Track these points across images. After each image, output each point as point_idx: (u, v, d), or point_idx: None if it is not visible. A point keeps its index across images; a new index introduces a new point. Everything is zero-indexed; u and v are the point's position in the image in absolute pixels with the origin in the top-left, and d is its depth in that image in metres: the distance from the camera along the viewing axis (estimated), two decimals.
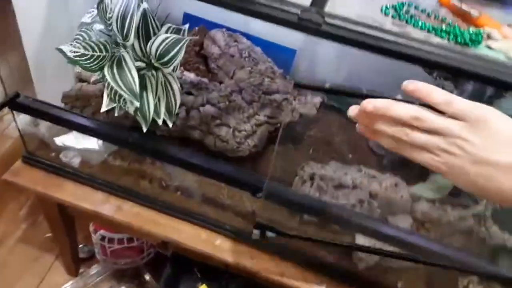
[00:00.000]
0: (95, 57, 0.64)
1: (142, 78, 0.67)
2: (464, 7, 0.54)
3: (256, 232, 0.68)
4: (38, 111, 0.71)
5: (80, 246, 1.30)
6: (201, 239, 0.79)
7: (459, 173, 0.38)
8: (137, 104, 0.65)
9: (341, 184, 0.78)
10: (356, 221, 0.67)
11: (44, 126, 0.87)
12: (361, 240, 0.73)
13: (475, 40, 0.49)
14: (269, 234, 0.68)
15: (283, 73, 0.93)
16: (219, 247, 0.78)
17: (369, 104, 0.41)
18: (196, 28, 1.04)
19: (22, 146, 0.82)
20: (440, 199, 0.79)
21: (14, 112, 0.75)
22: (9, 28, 0.89)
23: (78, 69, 0.83)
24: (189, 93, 0.85)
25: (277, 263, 0.77)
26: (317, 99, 0.87)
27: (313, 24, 0.44)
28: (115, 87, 0.65)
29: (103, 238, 1.16)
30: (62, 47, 0.62)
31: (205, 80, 0.89)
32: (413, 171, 0.90)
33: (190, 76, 0.89)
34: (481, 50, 0.49)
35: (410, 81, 0.40)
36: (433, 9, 0.56)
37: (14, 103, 0.70)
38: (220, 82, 0.94)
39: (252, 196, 0.68)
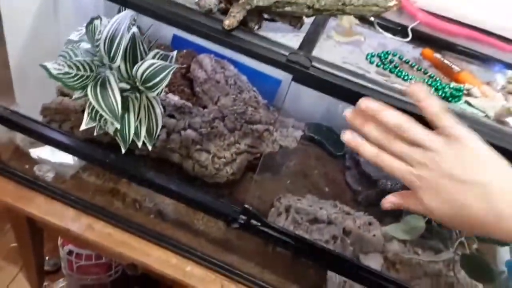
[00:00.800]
0: (79, 76, 0.64)
1: (125, 100, 0.67)
2: (446, 61, 0.56)
3: (242, 217, 0.65)
4: (16, 123, 0.69)
5: (46, 258, 1.26)
6: (171, 264, 0.77)
7: (429, 188, 0.38)
8: (118, 125, 0.65)
9: (316, 218, 0.78)
10: (328, 258, 0.67)
11: (20, 137, 0.85)
12: (333, 277, 0.73)
13: (456, 96, 0.51)
14: (254, 222, 0.65)
15: (267, 102, 0.94)
16: (189, 273, 0.77)
17: (363, 102, 0.41)
18: (184, 51, 1.05)
19: None
20: (411, 241, 0.80)
21: None
22: None
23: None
24: (172, 116, 0.85)
25: None
26: (298, 133, 0.88)
27: (300, 67, 0.45)
28: (97, 107, 0.64)
29: (70, 252, 1.13)
30: (46, 64, 0.61)
31: (189, 104, 0.89)
32: (387, 210, 0.91)
33: (174, 99, 0.89)
34: (461, 105, 0.51)
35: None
36: (416, 61, 0.58)
37: None
38: (204, 107, 0.94)
39: (227, 227, 0.67)
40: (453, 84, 0.53)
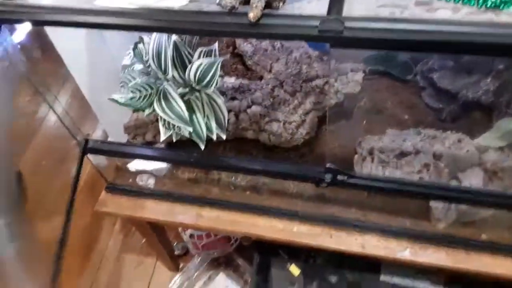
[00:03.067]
0: (143, 96, 0.70)
1: (188, 103, 0.72)
2: None
3: (327, 176, 0.68)
4: (108, 151, 0.79)
5: (174, 244, 1.44)
6: (279, 229, 0.84)
7: None
8: (190, 128, 0.70)
9: (402, 152, 0.78)
10: (424, 190, 0.68)
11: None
12: (436, 204, 0.74)
13: (506, 1, 0.46)
14: (340, 177, 0.68)
15: (319, 54, 0.92)
16: (298, 233, 0.83)
17: None
18: None
19: (103, 179, 0.92)
20: (508, 146, 0.76)
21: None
22: (58, 70, 0.96)
23: None
24: (234, 98, 0.88)
25: (356, 238, 0.80)
26: (359, 75, 0.86)
27: (334, 34, 0.45)
28: (167, 118, 0.70)
29: (191, 236, 1.28)
30: (113, 96, 0.68)
31: (246, 81, 0.92)
32: (474, 122, 0.87)
33: (231, 81, 0.92)
34: None
35: None
36: None
37: (86, 149, 0.79)
38: (261, 77, 0.96)
39: (316, 187, 0.71)
40: None
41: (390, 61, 1.00)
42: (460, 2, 0.48)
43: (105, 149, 0.79)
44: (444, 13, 0.48)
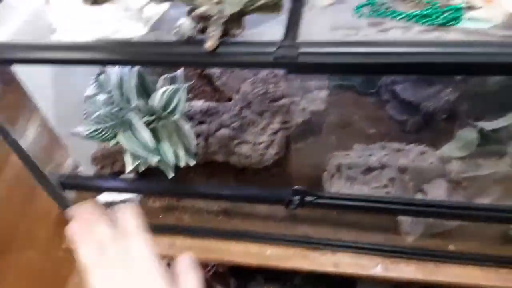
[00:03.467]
0: (107, 128, 0.69)
1: (154, 131, 0.71)
2: None
3: (296, 198, 0.68)
4: (75, 185, 0.77)
5: None
6: (253, 253, 0.83)
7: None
8: (157, 158, 0.69)
9: (369, 167, 0.79)
10: (389, 205, 0.69)
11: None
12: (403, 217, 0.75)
13: (456, 17, 0.48)
14: (308, 198, 0.68)
15: (284, 73, 0.93)
16: (272, 256, 0.83)
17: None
18: None
19: None
20: (470, 155, 0.79)
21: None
22: (24, 103, 0.94)
23: None
24: (202, 122, 0.88)
25: (329, 257, 0.81)
26: (323, 93, 0.87)
27: (289, 60, 0.46)
28: (132, 150, 0.69)
29: (168, 264, 1.25)
30: (75, 130, 0.67)
31: (213, 104, 0.92)
32: (438, 132, 0.89)
33: (199, 104, 0.92)
34: (464, 25, 0.48)
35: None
36: None
37: (54, 183, 0.77)
38: (229, 99, 0.96)
39: (286, 209, 0.71)
40: (451, 4, 0.50)
41: (354, 75, 1.02)
42: (412, 20, 0.50)
43: (73, 182, 0.77)
44: (396, 32, 0.50)
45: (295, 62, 0.46)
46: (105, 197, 0.90)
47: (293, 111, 0.85)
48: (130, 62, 0.52)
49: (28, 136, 0.86)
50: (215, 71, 0.99)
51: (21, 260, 1.43)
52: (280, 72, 0.95)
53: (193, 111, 0.90)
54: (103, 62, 0.52)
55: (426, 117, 0.92)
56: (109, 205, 0.92)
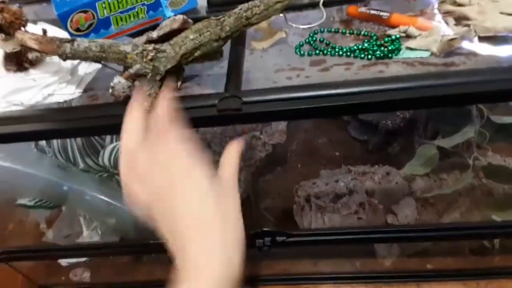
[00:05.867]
0: (53, 196, 0.64)
1: (107, 188, 0.68)
2: (373, 11, 0.52)
3: (267, 240, 0.65)
4: (29, 257, 0.71)
5: None
6: None
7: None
8: (112, 221, 0.66)
9: (337, 194, 0.78)
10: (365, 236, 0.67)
11: None
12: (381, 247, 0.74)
13: (395, 48, 0.48)
14: (279, 238, 0.66)
15: None
16: None
17: None
18: None
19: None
20: (433, 171, 0.79)
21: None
22: None
23: None
24: None
25: None
26: (282, 125, 0.86)
27: (233, 111, 0.44)
28: (86, 214, 0.65)
29: None
30: (20, 202, 0.62)
31: None
32: (399, 150, 0.89)
33: None
34: (404, 55, 0.48)
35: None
36: (346, 24, 0.54)
37: (4, 259, 0.71)
38: None
39: (259, 252, 0.68)
40: (388, 37, 0.49)
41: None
42: (352, 56, 0.49)
43: (24, 255, 0.71)
44: (338, 70, 0.49)
45: (239, 114, 0.44)
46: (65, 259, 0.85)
47: (254, 147, 0.83)
48: (66, 134, 0.49)
49: None
50: None
51: None
52: None
53: None
54: (35, 137, 0.48)
55: (386, 136, 0.92)
56: (72, 267, 0.87)
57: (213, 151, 0.86)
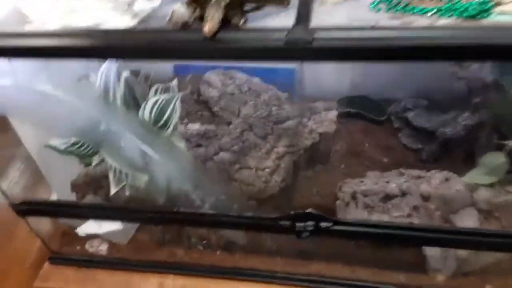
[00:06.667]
0: (88, 142, 0.60)
1: (144, 147, 0.62)
2: None
3: (309, 224, 0.58)
4: (55, 212, 0.66)
5: None
6: None
7: None
8: (145, 177, 0.60)
9: (387, 195, 0.70)
10: (417, 234, 0.59)
11: (64, 220, 0.83)
12: (432, 252, 0.65)
13: (484, 10, 0.42)
14: (324, 224, 0.58)
15: (289, 96, 0.87)
16: None
17: None
18: (189, 76, 1.01)
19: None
20: (499, 181, 0.70)
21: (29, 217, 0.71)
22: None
23: None
24: (199, 146, 0.80)
25: None
26: (333, 113, 0.80)
27: (303, 45, 0.38)
28: (117, 166, 0.60)
29: None
30: (50, 143, 0.58)
31: (211, 127, 0.84)
32: (458, 159, 0.81)
33: (195, 127, 0.84)
34: (495, 18, 0.42)
35: None
36: None
37: (23, 211, 0.66)
38: (229, 123, 0.88)
39: (298, 239, 0.60)
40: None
41: (362, 103, 0.95)
42: (437, 13, 0.44)
43: (50, 210, 0.66)
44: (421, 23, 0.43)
45: (310, 48, 0.38)
46: (85, 228, 0.79)
47: (300, 133, 0.77)
48: (116, 53, 0.44)
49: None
50: (213, 95, 0.92)
51: None
52: (284, 94, 0.89)
53: (188, 135, 0.82)
54: (86, 52, 0.44)
55: (444, 144, 0.84)
56: (89, 238, 0.81)
57: (255, 134, 0.80)
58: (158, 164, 0.62)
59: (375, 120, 0.93)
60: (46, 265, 0.79)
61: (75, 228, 0.80)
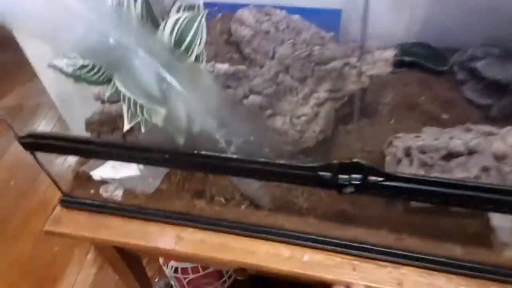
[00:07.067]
0: (99, 65, 0.51)
1: (163, 78, 0.53)
2: None
3: (355, 177, 0.48)
4: (57, 147, 0.59)
5: (156, 280, 1.21)
6: (285, 258, 0.63)
7: None
8: (163, 111, 0.51)
9: (450, 152, 0.58)
10: (488, 197, 0.47)
11: (78, 162, 0.77)
12: (503, 221, 0.53)
13: None
14: (372, 179, 0.48)
15: (334, 35, 0.74)
16: (310, 264, 0.61)
17: None
18: (219, 15, 0.90)
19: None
20: None
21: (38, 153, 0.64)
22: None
23: (95, 89, 0.71)
24: (228, 87, 0.69)
25: (389, 271, 0.59)
26: (389, 53, 0.67)
27: None
28: (131, 96, 0.51)
29: (175, 269, 1.05)
30: (54, 62, 0.49)
31: (242, 67, 0.73)
32: None
33: (223, 67, 0.74)
34: None
35: None
36: None
37: (30, 145, 0.59)
38: (261, 67, 0.77)
39: (339, 195, 0.50)
40: None
41: (420, 51, 0.82)
42: None
43: (52, 143, 0.59)
44: None
45: None
46: (101, 172, 0.72)
47: (347, 76, 0.65)
48: None
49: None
50: (245, 34, 0.81)
51: (14, 250, 1.28)
52: (329, 34, 0.76)
53: (216, 73, 0.72)
54: None
55: None
56: (105, 182, 0.75)
57: (291, 77, 0.69)
58: (179, 96, 0.52)
59: (435, 70, 0.79)
60: (58, 208, 0.73)
61: (89, 171, 0.73)
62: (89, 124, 0.71)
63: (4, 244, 1.29)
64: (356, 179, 0.48)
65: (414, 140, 0.61)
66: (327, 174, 0.50)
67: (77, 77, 0.50)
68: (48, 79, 0.88)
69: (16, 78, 1.79)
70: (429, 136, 0.62)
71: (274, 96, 0.67)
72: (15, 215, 1.31)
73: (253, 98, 0.67)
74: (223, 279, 1.09)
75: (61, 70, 0.49)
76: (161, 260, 1.09)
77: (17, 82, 1.79)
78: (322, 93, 0.66)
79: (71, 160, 0.79)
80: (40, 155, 0.64)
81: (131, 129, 0.66)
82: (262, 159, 0.51)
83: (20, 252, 1.26)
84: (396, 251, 0.58)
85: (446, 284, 0.57)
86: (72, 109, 0.82)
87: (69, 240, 1.22)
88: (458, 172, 0.56)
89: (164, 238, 0.67)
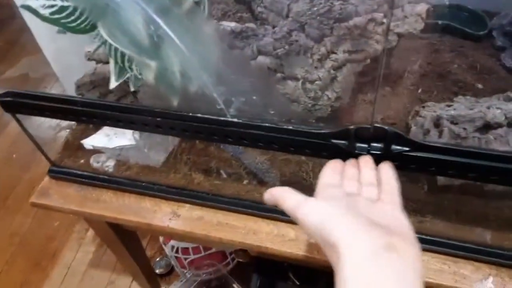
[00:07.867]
0: (81, 9, 0.43)
1: (155, 24, 0.45)
2: None
3: (376, 146, 0.40)
4: (38, 107, 0.52)
5: (157, 260, 1.16)
6: (290, 238, 0.56)
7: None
8: (153, 65, 0.43)
9: (487, 123, 0.50)
10: None
11: (73, 131, 0.71)
12: None
13: None
14: (396, 148, 0.40)
15: None
16: (317, 246, 0.54)
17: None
18: None
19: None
20: None
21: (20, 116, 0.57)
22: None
23: (88, 48, 0.64)
24: (234, 47, 0.62)
25: None
26: (421, 8, 0.58)
27: None
28: (118, 46, 0.43)
29: (175, 249, 1.00)
30: (29, 1, 0.42)
31: (252, 25, 0.65)
32: None
33: (231, 24, 0.66)
34: None
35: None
36: None
37: (9, 105, 0.53)
38: (273, 28, 0.69)
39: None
40: None
41: (455, 13, 0.73)
42: None
43: (33, 103, 0.52)
44: None
45: None
46: (92, 140, 0.66)
47: (371, 34, 0.57)
48: None
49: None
50: None
51: (15, 223, 1.25)
52: None
53: (221, 32, 0.64)
54: None
55: None
56: (96, 151, 0.68)
57: (307, 35, 0.61)
58: (173, 47, 0.44)
59: (471, 35, 0.70)
60: (46, 179, 0.67)
61: (80, 139, 0.67)
62: (79, 86, 0.64)
63: (5, 217, 1.26)
64: (376, 148, 0.40)
65: (445, 109, 0.53)
66: (342, 142, 0.42)
67: (54, 20, 0.43)
68: (51, 52, 0.84)
69: (22, 51, 1.78)
70: (462, 106, 0.54)
71: (285, 57, 0.59)
72: (17, 188, 1.28)
73: (261, 59, 0.59)
74: (227, 260, 1.03)
75: (35, 12, 0.42)
76: (161, 239, 1.04)
77: (23, 54, 1.77)
78: (340, 54, 0.58)
79: (64, 126, 0.73)
80: (29, 121, 0.58)
81: (133, 94, 0.60)
82: (267, 124, 0.44)
83: (19, 225, 1.22)
84: (418, 235, 0.50)
85: (472, 273, 0.49)
86: (66, 65, 0.78)
87: (70, 215, 1.19)
88: (497, 145, 0.48)
89: (159, 214, 0.61)
